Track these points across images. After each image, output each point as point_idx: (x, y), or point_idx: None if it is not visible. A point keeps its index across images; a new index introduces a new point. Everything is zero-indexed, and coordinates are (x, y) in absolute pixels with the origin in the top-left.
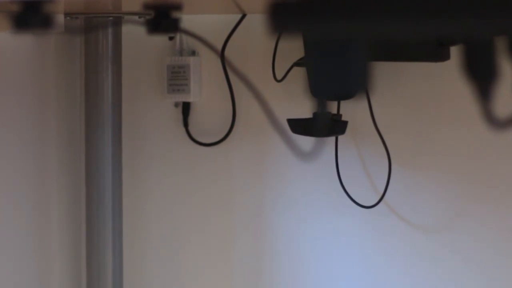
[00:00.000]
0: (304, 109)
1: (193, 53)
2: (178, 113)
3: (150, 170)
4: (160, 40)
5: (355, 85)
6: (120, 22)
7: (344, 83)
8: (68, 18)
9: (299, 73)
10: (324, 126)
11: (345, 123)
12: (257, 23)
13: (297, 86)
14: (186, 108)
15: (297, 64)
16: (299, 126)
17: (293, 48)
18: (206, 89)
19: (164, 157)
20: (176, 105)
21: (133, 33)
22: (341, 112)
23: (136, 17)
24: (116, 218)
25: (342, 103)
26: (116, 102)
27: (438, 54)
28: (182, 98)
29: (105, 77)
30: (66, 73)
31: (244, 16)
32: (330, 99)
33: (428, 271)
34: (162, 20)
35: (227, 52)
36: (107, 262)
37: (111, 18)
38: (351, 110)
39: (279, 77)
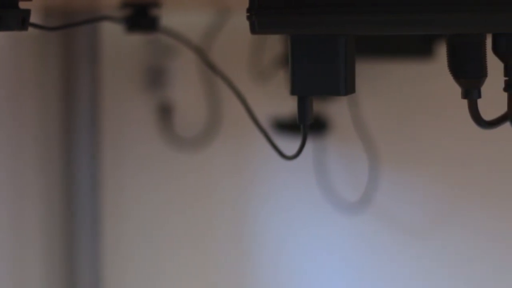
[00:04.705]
0: (288, 109)
1: (173, 53)
2: (158, 114)
3: (130, 172)
4: (140, 39)
5: (339, 82)
6: (98, 20)
7: (327, 80)
8: (45, 15)
9: (283, 72)
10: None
11: (327, 123)
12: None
13: (281, 86)
14: (167, 109)
15: (280, 63)
16: (283, 126)
17: (276, 46)
18: (187, 90)
19: (144, 159)
20: (157, 106)
21: (113, 32)
22: (326, 111)
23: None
24: (95, 219)
25: (327, 101)
26: (95, 102)
27: (421, 49)
28: (162, 99)
29: (83, 76)
30: (44, 72)
31: (227, 15)
32: (312, 95)
33: (415, 273)
34: (141, 19)
35: (209, 52)
36: (85, 266)
37: (89, 16)
38: (336, 109)
39: (262, 77)
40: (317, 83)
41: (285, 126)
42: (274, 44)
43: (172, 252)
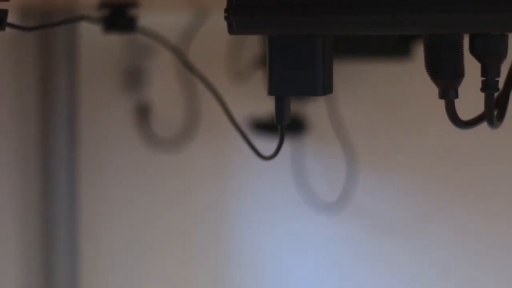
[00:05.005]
0: (266, 109)
1: (152, 53)
2: (136, 114)
3: (108, 172)
4: (118, 39)
5: (316, 82)
6: (76, 20)
7: (304, 81)
8: (23, 15)
9: (261, 72)
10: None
11: (305, 123)
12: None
13: (259, 86)
14: (145, 109)
15: (258, 63)
16: (261, 126)
17: (255, 46)
18: (165, 90)
19: (122, 159)
20: (135, 106)
21: (91, 32)
22: (304, 111)
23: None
24: (72, 219)
25: (305, 101)
26: (73, 102)
27: (399, 50)
28: (140, 99)
29: (61, 76)
30: (21, 72)
31: (205, 15)
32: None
33: (393, 272)
34: (119, 19)
35: (187, 53)
36: (62, 265)
37: (67, 16)
38: (314, 109)
39: (240, 77)
40: (295, 83)
41: (263, 126)
42: (253, 44)
43: (151, 252)
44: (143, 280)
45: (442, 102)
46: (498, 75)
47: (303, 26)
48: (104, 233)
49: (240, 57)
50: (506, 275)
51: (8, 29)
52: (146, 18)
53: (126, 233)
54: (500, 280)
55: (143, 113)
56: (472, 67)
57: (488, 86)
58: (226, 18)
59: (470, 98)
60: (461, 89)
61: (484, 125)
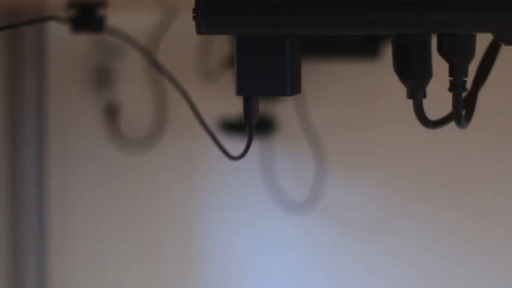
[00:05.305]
0: (235, 109)
1: (120, 53)
2: (105, 115)
3: (76, 173)
4: (87, 40)
5: (284, 82)
6: (45, 20)
7: (272, 81)
8: None
9: (230, 72)
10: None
11: (274, 123)
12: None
13: (228, 86)
14: (113, 110)
15: (227, 63)
16: (229, 126)
17: (223, 46)
18: (134, 91)
19: (91, 160)
20: (104, 106)
21: (59, 32)
22: (272, 111)
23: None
24: (41, 220)
25: (273, 101)
26: (41, 102)
27: (367, 50)
28: (109, 99)
29: (29, 77)
30: None
31: (174, 15)
32: (257, 95)
33: (360, 272)
34: (88, 19)
35: (156, 53)
36: (30, 265)
37: (35, 16)
38: (283, 109)
39: (209, 77)
40: (263, 83)
41: (232, 126)
42: (221, 44)
43: (119, 253)
44: (112, 281)
45: (410, 102)
46: (466, 75)
47: (271, 26)
48: (72, 234)
49: (209, 57)
50: (475, 269)
51: None
52: (115, 18)
53: (95, 233)
54: (469, 273)
55: (112, 113)
56: (440, 67)
57: (456, 86)
58: (194, 18)
59: (439, 98)
60: (429, 89)
61: (452, 124)
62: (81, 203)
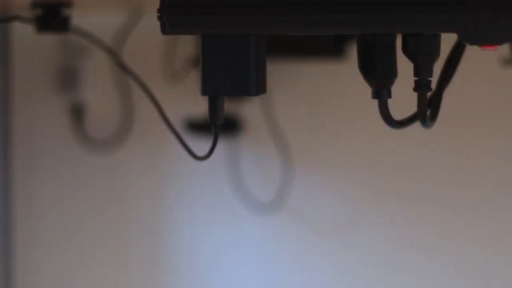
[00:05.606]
0: (200, 109)
1: (86, 54)
2: (71, 115)
3: (42, 173)
4: (52, 40)
5: (249, 82)
6: (9, 20)
7: (237, 81)
8: None
9: (195, 72)
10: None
11: (240, 123)
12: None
13: (193, 86)
14: (79, 110)
15: (193, 63)
16: (195, 127)
17: (189, 46)
18: (100, 91)
19: (57, 160)
20: (69, 107)
21: (24, 32)
22: (238, 111)
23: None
24: (6, 221)
25: (239, 101)
26: (6, 103)
27: (333, 50)
28: (75, 100)
29: None
30: None
31: (139, 15)
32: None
33: (327, 272)
34: (52, 19)
35: (121, 53)
36: None
37: None
38: (249, 109)
39: (175, 77)
40: (228, 83)
41: (198, 127)
42: (187, 44)
43: (86, 253)
44: (77, 279)
45: (376, 102)
46: (430, 75)
47: (235, 26)
48: (38, 233)
49: (174, 57)
50: (449, 264)
51: None
52: (80, 18)
53: (60, 232)
54: (437, 273)
55: (77, 113)
56: (405, 66)
57: (421, 86)
58: (159, 18)
59: (404, 98)
60: (394, 88)
61: (417, 124)
62: (46, 203)
